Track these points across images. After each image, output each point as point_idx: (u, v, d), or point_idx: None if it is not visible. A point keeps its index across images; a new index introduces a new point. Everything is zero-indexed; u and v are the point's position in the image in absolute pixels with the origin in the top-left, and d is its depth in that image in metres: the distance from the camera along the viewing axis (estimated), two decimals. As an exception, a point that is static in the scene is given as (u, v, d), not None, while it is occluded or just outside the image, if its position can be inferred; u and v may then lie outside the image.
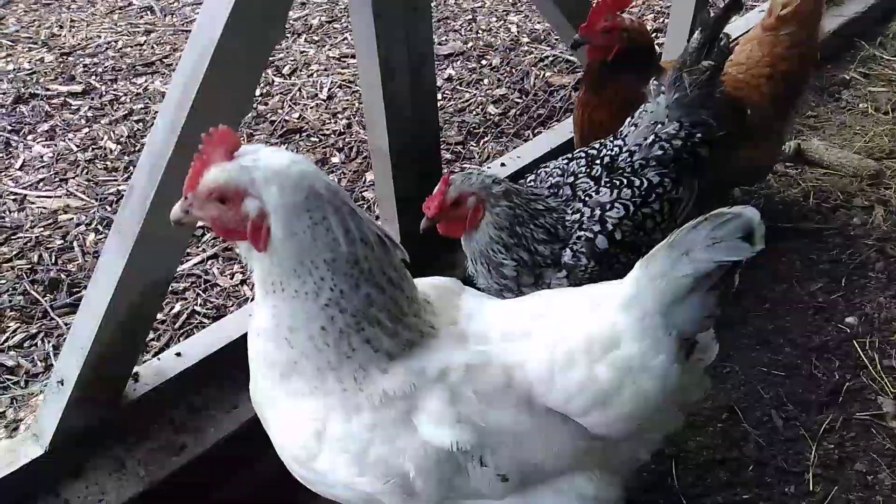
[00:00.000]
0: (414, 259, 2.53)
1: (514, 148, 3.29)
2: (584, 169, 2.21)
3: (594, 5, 2.48)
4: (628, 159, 2.20)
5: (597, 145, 2.28)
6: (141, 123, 3.80)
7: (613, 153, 2.23)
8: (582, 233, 2.08)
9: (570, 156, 2.29)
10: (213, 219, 1.39)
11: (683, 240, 1.42)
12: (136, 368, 2.14)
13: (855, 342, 2.62)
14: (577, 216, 2.12)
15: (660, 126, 2.21)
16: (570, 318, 1.56)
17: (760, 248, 1.41)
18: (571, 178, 2.20)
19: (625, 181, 2.14)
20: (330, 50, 4.39)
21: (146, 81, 4.13)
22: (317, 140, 3.66)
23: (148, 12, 4.85)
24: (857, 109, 3.81)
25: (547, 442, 1.51)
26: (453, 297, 1.66)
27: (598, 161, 2.22)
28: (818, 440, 2.33)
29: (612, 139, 2.29)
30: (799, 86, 2.87)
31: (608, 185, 2.15)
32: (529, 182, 2.27)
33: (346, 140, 3.65)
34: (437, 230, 2.11)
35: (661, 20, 4.53)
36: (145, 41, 4.51)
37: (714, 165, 2.42)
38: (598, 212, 2.10)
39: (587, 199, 2.14)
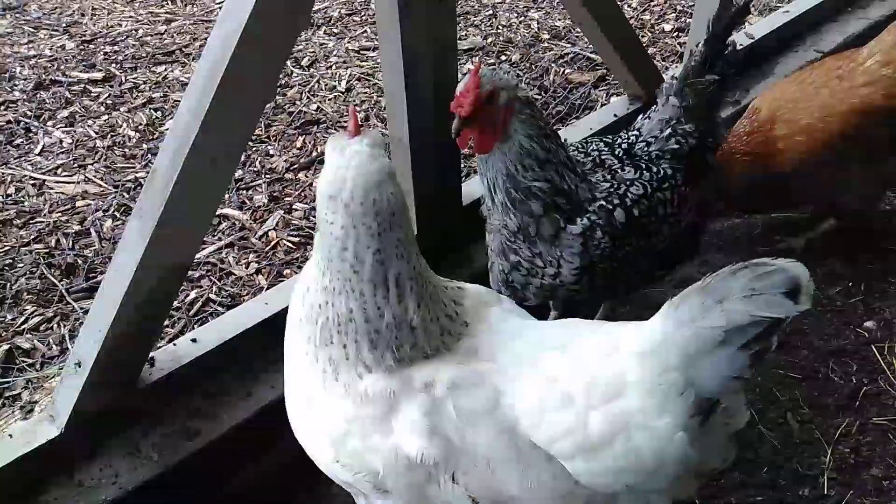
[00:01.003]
0: (432, 251, 2.53)
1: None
2: (605, 149, 2.21)
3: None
4: (645, 149, 2.21)
5: (610, 137, 2.29)
6: (159, 112, 3.81)
7: (630, 141, 2.24)
8: (603, 202, 2.05)
9: (585, 140, 2.29)
10: None
11: (719, 286, 1.29)
12: (152, 353, 2.15)
13: (873, 347, 2.59)
14: (604, 184, 2.08)
15: (676, 122, 2.22)
16: (583, 358, 1.47)
17: (806, 307, 1.26)
18: (595, 153, 2.19)
19: (643, 166, 2.15)
20: (349, 42, 4.39)
21: (166, 70, 4.14)
22: (334, 132, 3.66)
23: (169, 2, 4.86)
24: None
25: (524, 476, 1.44)
26: (484, 308, 1.63)
27: (616, 146, 2.23)
28: (834, 444, 2.31)
29: (626, 129, 2.31)
30: None
31: (630, 165, 2.15)
32: None
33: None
34: (462, 144, 1.93)
35: (684, 19, 4.50)
36: (165, 30, 4.53)
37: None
38: (622, 187, 2.09)
39: (613, 172, 2.12)
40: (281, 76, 4.05)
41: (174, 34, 4.49)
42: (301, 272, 1.66)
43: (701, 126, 2.23)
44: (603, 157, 2.18)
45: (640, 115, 2.34)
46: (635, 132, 2.27)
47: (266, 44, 1.76)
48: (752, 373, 1.34)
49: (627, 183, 2.10)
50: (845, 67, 2.57)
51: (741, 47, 3.67)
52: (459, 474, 1.45)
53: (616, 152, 2.20)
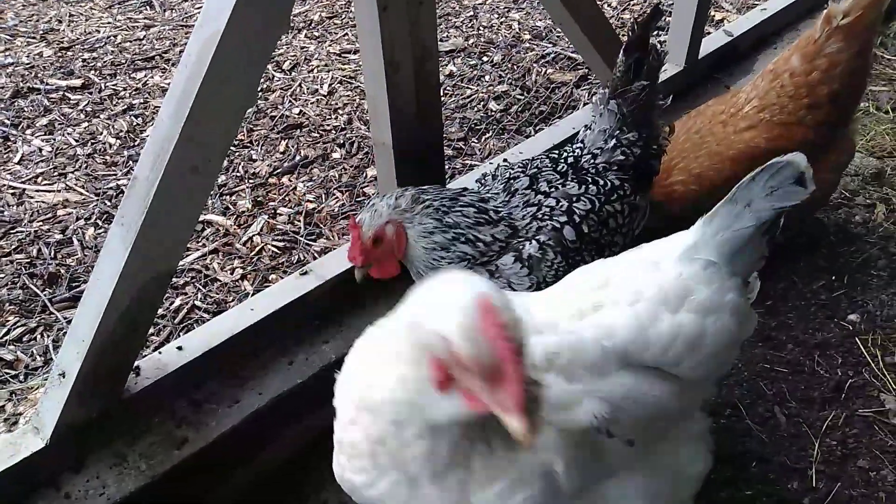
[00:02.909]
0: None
1: (516, 144, 3.28)
2: (549, 165, 2.22)
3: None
4: (591, 161, 2.22)
5: (556, 152, 2.31)
6: (140, 118, 3.78)
7: (576, 154, 2.26)
8: (549, 222, 2.05)
9: (531, 157, 2.31)
10: None
11: (743, 193, 1.57)
12: (137, 362, 2.13)
13: (857, 339, 2.61)
14: (542, 209, 2.08)
15: (619, 132, 2.24)
16: (636, 281, 1.59)
17: (812, 188, 1.57)
18: (535, 171, 2.20)
19: (590, 179, 2.16)
20: (330, 46, 4.38)
21: (146, 76, 4.11)
22: (317, 136, 3.65)
23: (147, 7, 4.83)
24: (858, 109, 3.81)
25: (649, 396, 1.54)
26: None
27: (562, 161, 2.24)
28: (821, 437, 2.33)
29: (571, 143, 2.34)
30: (849, 104, 2.66)
31: (575, 180, 2.16)
32: (485, 177, 2.25)
33: (347, 135, 3.64)
34: (374, 277, 2.06)
35: (663, 18, 4.52)
36: (145, 36, 4.49)
37: None
38: (565, 203, 2.09)
39: (553, 190, 2.13)
40: (262, 80, 4.03)
41: (153, 40, 4.46)
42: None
43: (643, 133, 2.25)
44: (542, 173, 2.18)
45: (583, 128, 2.36)
46: (579, 145, 2.29)
47: (245, 48, 1.75)
48: (769, 250, 1.64)
49: (573, 198, 2.10)
50: (727, 112, 2.68)
51: (723, 44, 3.72)
52: (614, 426, 1.49)
53: (559, 167, 2.21)
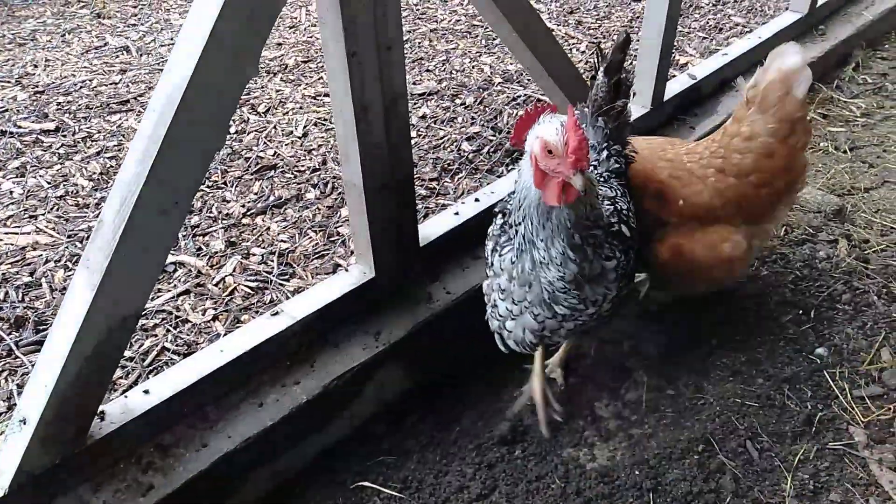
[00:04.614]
0: (390, 291, 2.52)
1: (488, 184, 3.32)
2: None
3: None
4: (595, 171, 2.33)
5: None
6: (114, 161, 3.77)
7: None
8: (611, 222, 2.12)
9: None
10: None
11: None
12: (102, 406, 2.09)
13: (825, 373, 2.65)
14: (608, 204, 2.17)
15: (607, 144, 2.37)
16: None
17: None
18: None
19: (607, 185, 2.27)
20: (305, 89, 4.43)
21: (120, 119, 4.12)
22: (291, 176, 3.67)
23: (124, 52, 4.87)
24: (819, 148, 3.92)
25: None
26: None
27: None
28: (793, 471, 2.34)
29: None
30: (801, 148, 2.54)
31: (604, 184, 2.26)
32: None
33: (321, 176, 3.66)
34: (559, 199, 1.82)
35: (629, 61, 4.65)
36: (120, 80, 4.52)
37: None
38: (611, 206, 2.17)
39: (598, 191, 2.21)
40: (237, 122, 4.06)
41: (129, 83, 4.48)
42: None
43: (622, 146, 2.42)
44: None
45: None
46: None
47: (214, 92, 1.77)
48: None
49: (611, 199, 2.20)
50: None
51: (687, 86, 3.83)
52: None
53: None
